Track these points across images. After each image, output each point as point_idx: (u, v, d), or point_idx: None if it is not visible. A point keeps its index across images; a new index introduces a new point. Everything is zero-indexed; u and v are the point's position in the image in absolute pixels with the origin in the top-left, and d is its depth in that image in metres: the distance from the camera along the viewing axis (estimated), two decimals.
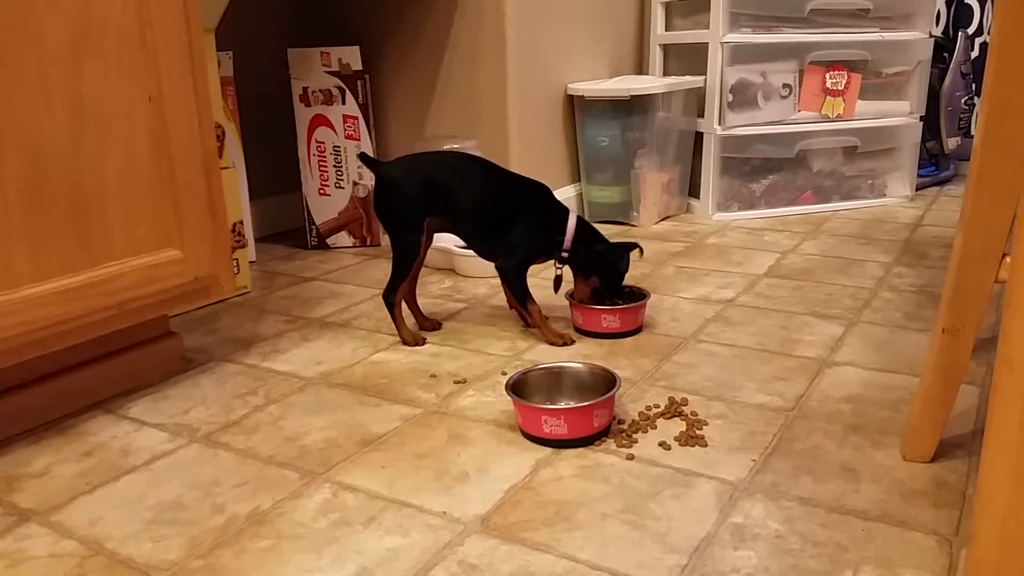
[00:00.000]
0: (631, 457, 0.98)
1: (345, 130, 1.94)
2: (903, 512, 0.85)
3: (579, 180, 2.22)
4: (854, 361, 1.24)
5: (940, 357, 0.89)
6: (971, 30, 2.54)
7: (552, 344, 1.34)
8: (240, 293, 1.67)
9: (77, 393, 1.15)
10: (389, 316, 1.37)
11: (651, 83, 2.08)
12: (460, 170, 1.36)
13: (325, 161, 1.97)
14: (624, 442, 1.01)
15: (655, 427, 1.05)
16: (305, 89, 1.93)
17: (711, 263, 1.79)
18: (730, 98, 2.15)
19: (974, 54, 2.51)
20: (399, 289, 1.35)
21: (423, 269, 1.43)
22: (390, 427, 1.07)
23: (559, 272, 1.39)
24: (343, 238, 2.02)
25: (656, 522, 0.85)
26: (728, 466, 0.95)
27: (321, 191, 1.99)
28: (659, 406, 1.10)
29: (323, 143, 1.95)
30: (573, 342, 1.34)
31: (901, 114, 2.31)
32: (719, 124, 2.16)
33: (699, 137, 2.23)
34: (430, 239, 1.38)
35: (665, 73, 2.38)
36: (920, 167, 2.40)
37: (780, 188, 2.25)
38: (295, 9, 2.16)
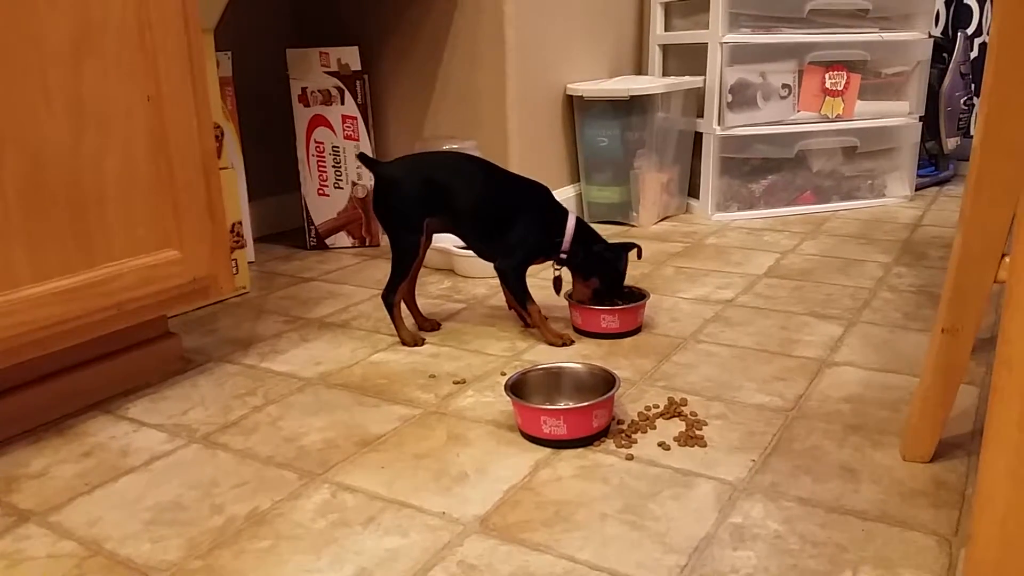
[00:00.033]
0: (630, 457, 0.97)
1: (344, 130, 1.94)
2: (902, 512, 0.85)
3: (578, 180, 2.22)
4: (854, 361, 1.24)
5: (939, 357, 0.89)
6: (970, 30, 2.54)
7: (551, 344, 1.34)
8: (239, 293, 1.67)
9: (76, 393, 1.15)
10: (388, 316, 1.37)
11: (650, 83, 2.08)
12: (460, 170, 1.36)
13: (324, 161, 1.97)
14: (623, 442, 1.01)
15: (654, 427, 1.05)
16: (304, 89, 1.93)
17: (710, 263, 1.78)
18: (729, 98, 2.15)
19: (973, 54, 2.51)
20: (398, 289, 1.35)
21: (422, 269, 1.42)
22: (389, 428, 1.07)
23: (558, 273, 1.39)
24: (342, 238, 2.02)
25: (655, 522, 0.85)
26: (727, 466, 0.95)
27: (320, 191, 1.99)
28: (658, 406, 1.10)
29: (322, 143, 1.95)
30: (572, 342, 1.34)
31: (900, 114, 2.31)
32: (718, 124, 2.16)
33: (698, 137, 2.23)
34: (429, 239, 1.38)
35: (664, 73, 2.38)
36: (919, 167, 2.40)
37: (779, 188, 2.25)
38: (294, 9, 2.16)
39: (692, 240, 2.00)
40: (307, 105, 1.94)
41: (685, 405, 1.10)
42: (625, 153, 2.10)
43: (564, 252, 1.35)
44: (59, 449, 1.04)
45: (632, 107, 2.05)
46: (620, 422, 1.06)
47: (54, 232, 1.02)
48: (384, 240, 1.99)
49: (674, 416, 1.07)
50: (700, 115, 2.21)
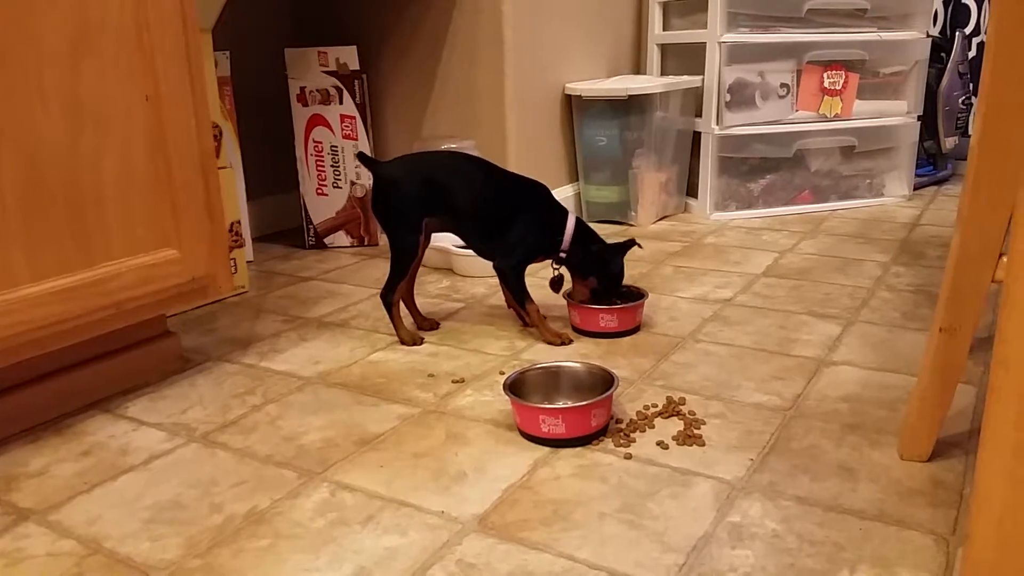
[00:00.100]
0: (629, 456, 0.98)
1: (343, 130, 1.94)
2: (900, 511, 0.86)
3: (577, 180, 2.22)
4: (852, 360, 1.24)
5: (937, 357, 0.90)
6: (968, 30, 2.55)
7: (550, 343, 1.34)
8: (238, 293, 1.67)
9: (75, 393, 1.15)
10: (387, 316, 1.37)
11: (649, 83, 2.08)
12: (459, 170, 1.36)
13: (323, 161, 1.97)
14: (622, 441, 1.01)
15: (653, 426, 1.05)
16: (302, 89, 1.93)
17: (709, 263, 1.79)
18: (728, 98, 2.15)
19: (971, 54, 2.52)
20: (397, 289, 1.35)
21: (421, 268, 1.42)
22: (388, 427, 1.07)
23: (558, 272, 1.39)
24: (341, 238, 2.02)
25: (654, 521, 0.85)
26: (726, 465, 0.95)
27: (319, 191, 1.99)
28: (657, 405, 1.10)
29: (320, 143, 1.95)
30: (571, 341, 1.34)
31: (899, 114, 2.31)
32: (717, 124, 2.16)
33: (697, 137, 2.23)
34: (428, 239, 1.38)
35: (663, 73, 2.38)
36: (918, 167, 2.41)
37: (778, 188, 2.25)
38: (293, 9, 2.15)
39: (691, 239, 2.00)
40: (306, 104, 1.94)
41: (683, 404, 1.10)
42: (624, 152, 2.10)
43: (563, 251, 1.36)
44: (58, 448, 1.04)
45: (631, 107, 2.05)
46: (619, 421, 1.06)
47: (52, 232, 1.02)
48: (383, 239, 1.99)
49: (672, 415, 1.07)
50: (698, 114, 2.22)
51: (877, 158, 2.33)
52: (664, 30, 2.37)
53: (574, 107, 2.15)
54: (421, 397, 1.16)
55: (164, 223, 1.14)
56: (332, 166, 1.97)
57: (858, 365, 1.22)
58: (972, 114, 2.47)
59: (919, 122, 2.33)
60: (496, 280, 1.40)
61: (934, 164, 2.57)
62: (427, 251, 1.40)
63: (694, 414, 1.07)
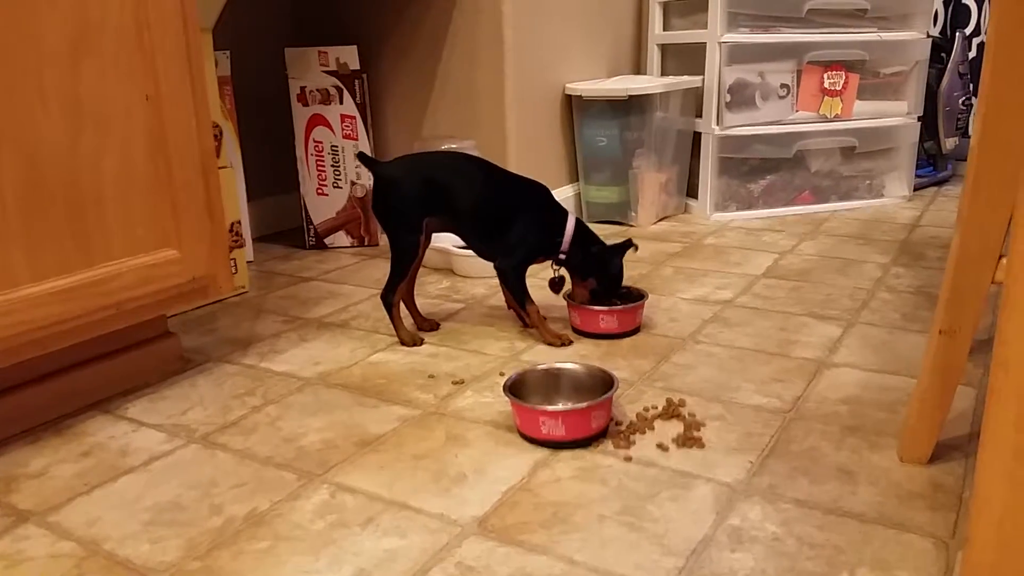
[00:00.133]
0: (629, 459, 0.98)
1: (343, 130, 1.94)
2: (900, 514, 0.86)
3: (577, 180, 2.22)
4: (852, 362, 1.24)
5: (937, 359, 0.90)
6: (968, 30, 2.55)
7: (550, 344, 1.34)
8: (238, 293, 1.67)
9: (75, 393, 1.15)
10: (387, 316, 1.37)
11: (649, 83, 2.08)
12: (459, 170, 1.36)
13: (323, 161, 1.97)
14: (622, 443, 1.01)
15: (653, 428, 1.05)
16: (303, 89, 1.93)
17: (709, 263, 1.79)
18: (728, 98, 2.15)
19: (971, 54, 2.52)
20: (397, 289, 1.35)
21: (421, 269, 1.42)
22: (388, 428, 1.07)
23: (558, 274, 1.39)
24: (341, 238, 2.02)
25: (654, 524, 0.85)
26: (726, 468, 0.95)
27: (319, 191, 1.99)
28: (657, 407, 1.10)
29: (321, 143, 1.95)
30: (571, 343, 1.34)
31: (899, 114, 2.31)
32: (717, 124, 2.16)
33: (697, 137, 2.23)
34: (429, 239, 1.38)
35: (663, 73, 2.38)
36: (918, 167, 2.41)
37: (778, 188, 2.25)
38: (293, 8, 2.15)
39: (691, 240, 2.00)
40: (306, 104, 1.94)
41: (683, 406, 1.10)
42: (624, 153, 2.10)
43: (563, 252, 1.36)
44: (58, 449, 1.04)
45: (631, 107, 2.05)
46: (618, 423, 1.06)
47: (52, 232, 1.02)
48: (383, 239, 1.99)
49: (672, 417, 1.07)
50: (699, 115, 2.21)
51: (877, 159, 2.33)
52: (664, 30, 2.36)
53: (574, 107, 2.15)
54: (421, 398, 1.16)
55: (164, 223, 1.14)
56: (332, 166, 1.97)
57: (858, 367, 1.22)
58: (972, 115, 2.47)
59: (919, 123, 2.33)
60: (496, 281, 1.40)
61: (934, 165, 2.57)
62: (427, 251, 1.40)
63: (694, 416, 1.07)
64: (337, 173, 1.97)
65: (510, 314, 1.46)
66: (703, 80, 2.17)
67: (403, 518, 0.87)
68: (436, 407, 1.13)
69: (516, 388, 1.06)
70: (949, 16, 2.57)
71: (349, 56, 1.90)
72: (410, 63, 2.02)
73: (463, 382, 1.21)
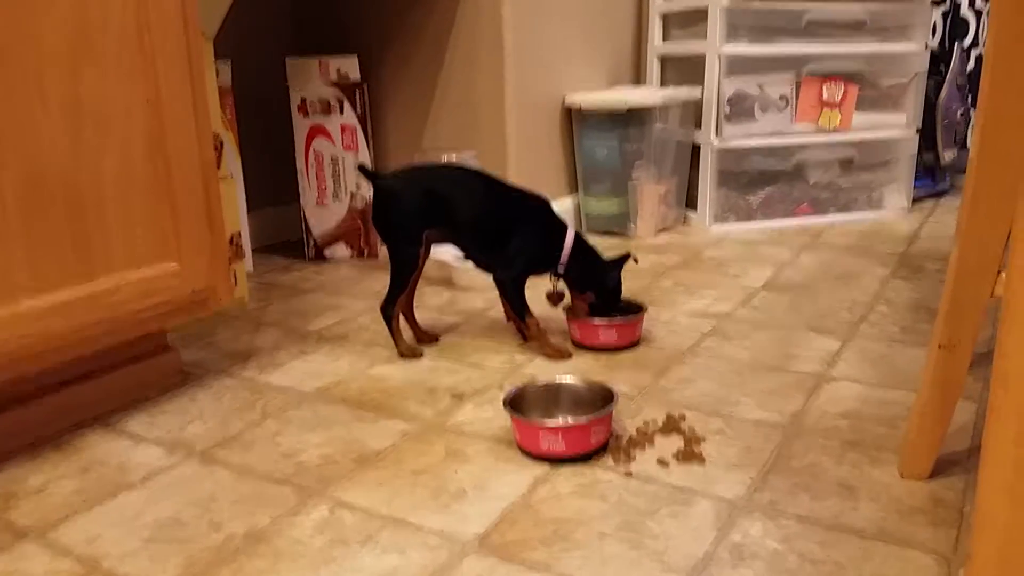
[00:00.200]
0: (629, 474, 0.97)
1: (343, 140, 1.94)
2: (901, 530, 0.85)
3: (577, 191, 2.22)
4: (851, 376, 1.24)
5: (937, 373, 0.90)
6: (967, 42, 2.55)
7: (550, 358, 1.34)
8: (237, 306, 1.67)
9: (74, 408, 1.15)
10: (387, 329, 1.37)
11: (648, 95, 2.09)
12: (459, 182, 1.36)
13: (323, 172, 1.97)
14: (622, 459, 1.01)
15: (653, 443, 1.05)
16: (303, 99, 1.93)
17: (708, 276, 1.79)
18: (727, 110, 2.15)
19: (970, 66, 2.52)
20: (397, 302, 1.35)
21: (420, 281, 1.42)
22: (387, 443, 1.07)
23: (556, 287, 1.39)
24: (341, 249, 2.02)
25: (654, 540, 0.85)
26: (726, 483, 0.95)
27: (319, 202, 1.99)
28: (657, 422, 1.10)
29: (321, 154, 1.96)
30: (571, 355, 1.34)
31: (897, 126, 2.32)
32: (716, 136, 2.17)
33: (696, 149, 2.24)
34: (428, 251, 1.38)
35: (662, 84, 2.38)
36: (916, 179, 2.41)
37: (777, 200, 2.25)
38: (294, 17, 2.16)
39: (690, 252, 2.00)
40: (306, 115, 1.94)
41: (683, 420, 1.10)
42: (623, 164, 2.10)
43: (562, 265, 1.36)
44: (57, 465, 1.04)
45: (630, 118, 2.06)
46: (618, 438, 1.06)
47: (53, 238, 1.01)
48: (383, 251, 1.99)
49: (672, 432, 1.07)
50: (698, 126, 2.22)
51: (876, 171, 2.33)
52: (664, 41, 2.37)
53: (574, 118, 2.15)
54: (421, 413, 1.16)
55: (165, 235, 1.14)
56: (332, 177, 1.97)
57: (857, 381, 1.22)
58: (971, 127, 2.47)
59: (918, 135, 2.34)
60: (496, 293, 1.40)
61: (933, 177, 2.57)
62: (427, 263, 1.40)
63: (694, 431, 1.07)
64: (337, 184, 1.97)
65: (510, 327, 1.46)
66: (702, 91, 2.17)
67: (403, 535, 0.87)
68: (435, 422, 1.13)
69: (516, 402, 1.06)
70: (947, 28, 2.58)
71: (350, 66, 1.90)
72: (411, 73, 2.03)
73: (463, 396, 1.21)
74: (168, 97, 1.12)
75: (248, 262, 1.90)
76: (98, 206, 1.06)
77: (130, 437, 1.11)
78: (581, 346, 1.38)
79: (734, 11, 2.10)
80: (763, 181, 2.23)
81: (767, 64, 2.17)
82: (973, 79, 2.47)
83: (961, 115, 2.45)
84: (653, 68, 2.39)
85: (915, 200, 2.43)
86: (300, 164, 1.97)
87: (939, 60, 2.42)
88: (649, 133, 2.08)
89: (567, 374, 1.19)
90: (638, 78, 2.48)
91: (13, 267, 0.98)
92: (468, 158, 1.80)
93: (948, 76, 2.41)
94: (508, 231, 1.34)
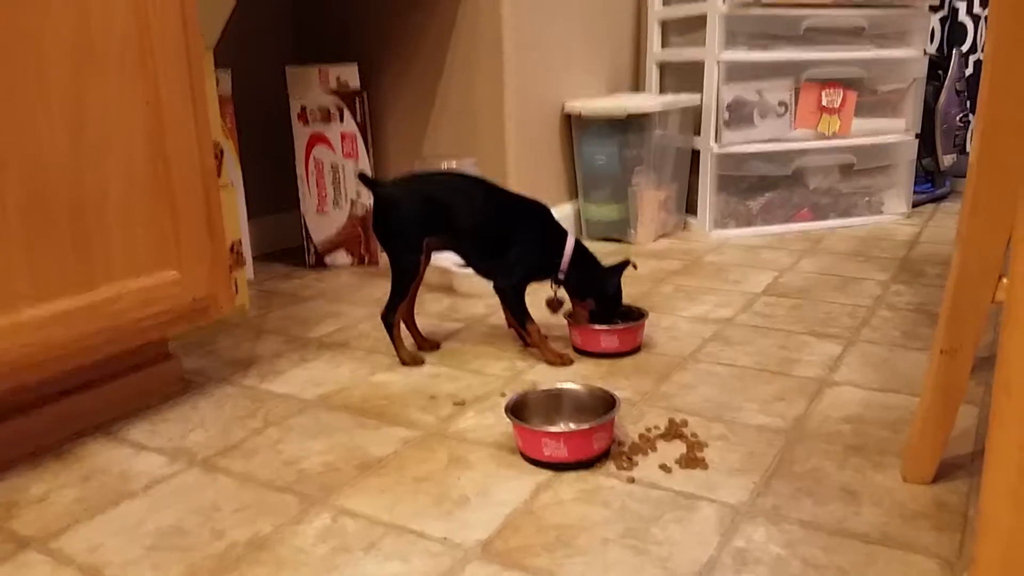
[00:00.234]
0: (632, 480, 0.97)
1: (343, 148, 1.95)
2: (904, 535, 0.85)
3: (576, 198, 2.23)
4: (853, 381, 1.24)
5: (939, 378, 0.90)
6: (965, 48, 2.56)
7: (551, 364, 1.34)
8: (238, 313, 1.67)
9: (75, 416, 1.15)
10: (388, 336, 1.37)
11: (648, 101, 2.09)
12: (459, 189, 1.36)
13: (323, 179, 1.97)
14: (624, 465, 1.00)
15: (655, 449, 1.04)
16: (303, 107, 1.93)
17: (709, 281, 1.79)
18: (727, 116, 2.16)
19: (968, 71, 2.53)
20: (398, 309, 1.35)
21: (421, 288, 1.42)
22: (389, 450, 1.07)
23: (556, 293, 1.39)
24: (341, 257, 2.02)
25: (658, 546, 0.84)
26: (729, 489, 0.95)
27: (319, 209, 1.99)
28: (659, 427, 1.10)
29: (321, 161, 1.96)
30: (572, 362, 1.34)
31: (897, 131, 2.32)
32: (716, 142, 2.17)
33: (696, 155, 2.24)
34: (429, 258, 1.38)
35: (662, 91, 2.39)
36: (916, 184, 2.42)
37: (777, 205, 2.25)
38: (294, 26, 2.17)
39: (690, 258, 2.00)
40: (306, 123, 1.94)
41: (686, 426, 1.10)
42: (623, 170, 2.11)
43: (562, 272, 1.36)
44: (59, 473, 1.04)
45: (630, 125, 2.06)
46: (621, 444, 1.06)
47: (54, 254, 1.02)
48: (383, 258, 1.99)
49: (675, 437, 1.07)
50: (697, 132, 2.22)
51: (876, 176, 2.34)
52: (663, 48, 2.38)
53: (573, 125, 2.16)
54: (423, 420, 1.16)
55: (165, 244, 1.14)
56: (332, 185, 1.97)
57: (860, 385, 1.22)
58: (970, 132, 2.48)
59: (917, 140, 2.34)
60: (496, 299, 1.40)
61: (932, 182, 2.58)
62: (427, 270, 1.40)
63: (696, 436, 1.07)
64: (337, 192, 1.97)
65: (511, 333, 1.46)
66: (702, 98, 2.18)
67: (405, 542, 0.87)
68: (437, 428, 1.13)
69: (518, 409, 1.06)
70: (946, 34, 2.59)
71: (349, 74, 1.91)
72: (410, 81, 2.03)
73: (464, 403, 1.21)
74: (168, 101, 1.12)
75: (249, 270, 1.90)
76: (99, 214, 1.06)
77: (132, 445, 1.11)
78: (582, 352, 1.38)
79: (733, 18, 2.11)
80: (763, 187, 2.24)
81: (766, 70, 2.18)
82: (972, 84, 2.48)
83: (960, 120, 2.45)
84: (652, 75, 2.40)
85: (915, 205, 2.44)
86: (300, 172, 1.97)
87: (938, 65, 2.43)
88: (649, 139, 2.08)
89: (569, 380, 1.19)
90: (637, 85, 2.48)
91: (14, 275, 0.98)
92: (468, 165, 1.80)
93: (947, 81, 2.42)
94: (508, 238, 1.34)
